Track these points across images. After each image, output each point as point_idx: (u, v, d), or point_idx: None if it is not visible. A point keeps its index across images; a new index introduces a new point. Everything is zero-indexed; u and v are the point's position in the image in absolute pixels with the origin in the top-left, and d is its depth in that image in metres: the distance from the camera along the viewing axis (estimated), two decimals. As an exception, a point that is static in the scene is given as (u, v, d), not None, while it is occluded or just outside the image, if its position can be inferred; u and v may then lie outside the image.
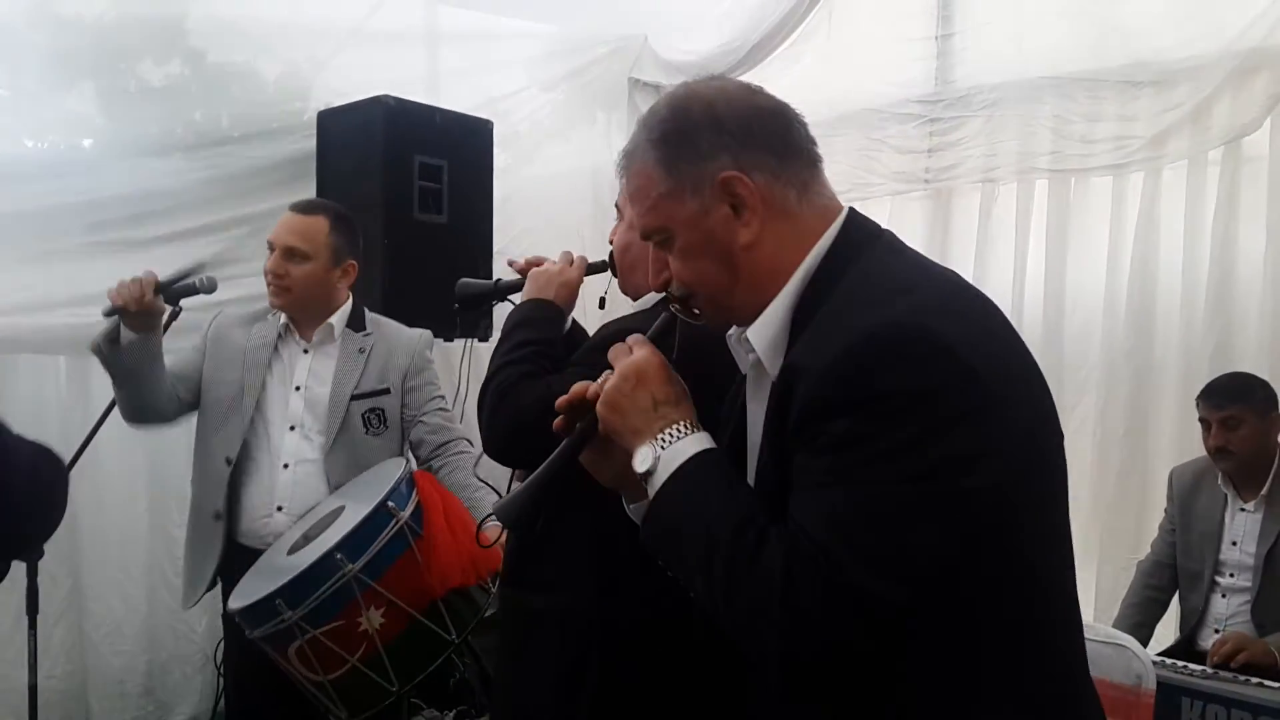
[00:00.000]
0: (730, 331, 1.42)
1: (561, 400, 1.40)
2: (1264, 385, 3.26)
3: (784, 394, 1.20)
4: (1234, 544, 3.24)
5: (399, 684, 2.44)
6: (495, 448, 1.96)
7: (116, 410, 3.02)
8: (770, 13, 4.71)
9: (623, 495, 1.49)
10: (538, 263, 2.18)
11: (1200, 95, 3.78)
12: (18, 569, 2.99)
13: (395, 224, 3.92)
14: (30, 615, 3.02)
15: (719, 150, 1.31)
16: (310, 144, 4.17)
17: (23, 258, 3.76)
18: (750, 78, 4.67)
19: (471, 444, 2.95)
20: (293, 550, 2.56)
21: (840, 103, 4.49)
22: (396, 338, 3.02)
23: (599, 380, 1.37)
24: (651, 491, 1.27)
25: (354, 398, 2.88)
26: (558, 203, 4.82)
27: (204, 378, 2.95)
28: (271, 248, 2.92)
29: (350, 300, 3.02)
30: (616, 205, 2.10)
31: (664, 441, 1.27)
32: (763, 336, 1.31)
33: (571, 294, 2.13)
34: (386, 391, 2.93)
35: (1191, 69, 3.81)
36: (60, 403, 3.91)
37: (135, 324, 2.75)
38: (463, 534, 2.50)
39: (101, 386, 3.81)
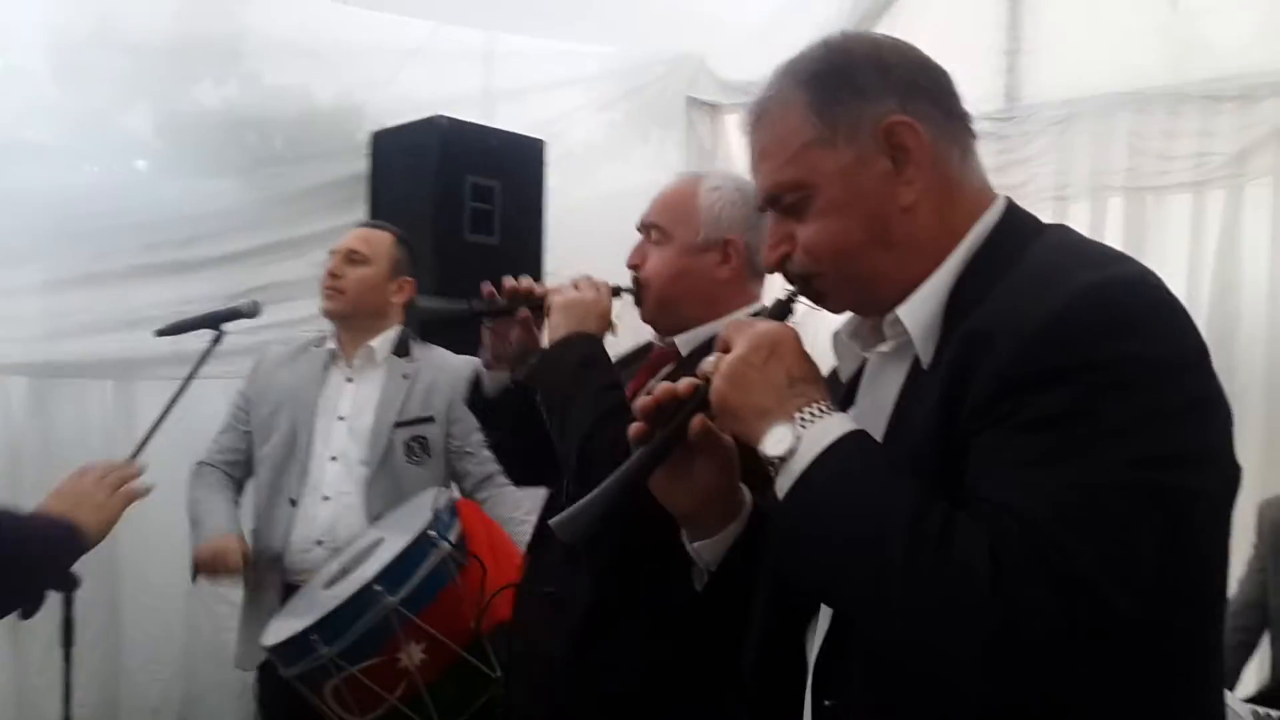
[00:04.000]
0: (840, 328, 1.27)
1: (647, 401, 1.21)
2: None
3: (962, 367, 1.02)
4: None
5: (442, 724, 2.33)
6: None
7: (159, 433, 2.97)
8: (830, 30, 4.57)
9: (686, 531, 1.33)
10: (525, 289, 1.97)
11: (1285, 112, 3.60)
12: (54, 597, 2.93)
13: (446, 245, 3.85)
14: (65, 647, 2.96)
15: (884, 93, 1.14)
16: (363, 165, 4.14)
17: (74, 281, 3.76)
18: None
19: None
20: (330, 584, 2.47)
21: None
22: (443, 364, 2.93)
23: (709, 363, 1.17)
24: (788, 478, 1.05)
25: (397, 425, 2.80)
26: (611, 223, 4.68)
27: (255, 430, 2.91)
28: (332, 255, 2.89)
29: (398, 327, 2.95)
30: (641, 226, 1.99)
31: (804, 420, 1.06)
32: (919, 315, 1.12)
33: (606, 326, 1.93)
34: (430, 420, 2.84)
35: (1276, 84, 3.62)
36: (105, 427, 3.86)
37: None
38: (508, 566, 2.39)
39: (146, 409, 3.81)
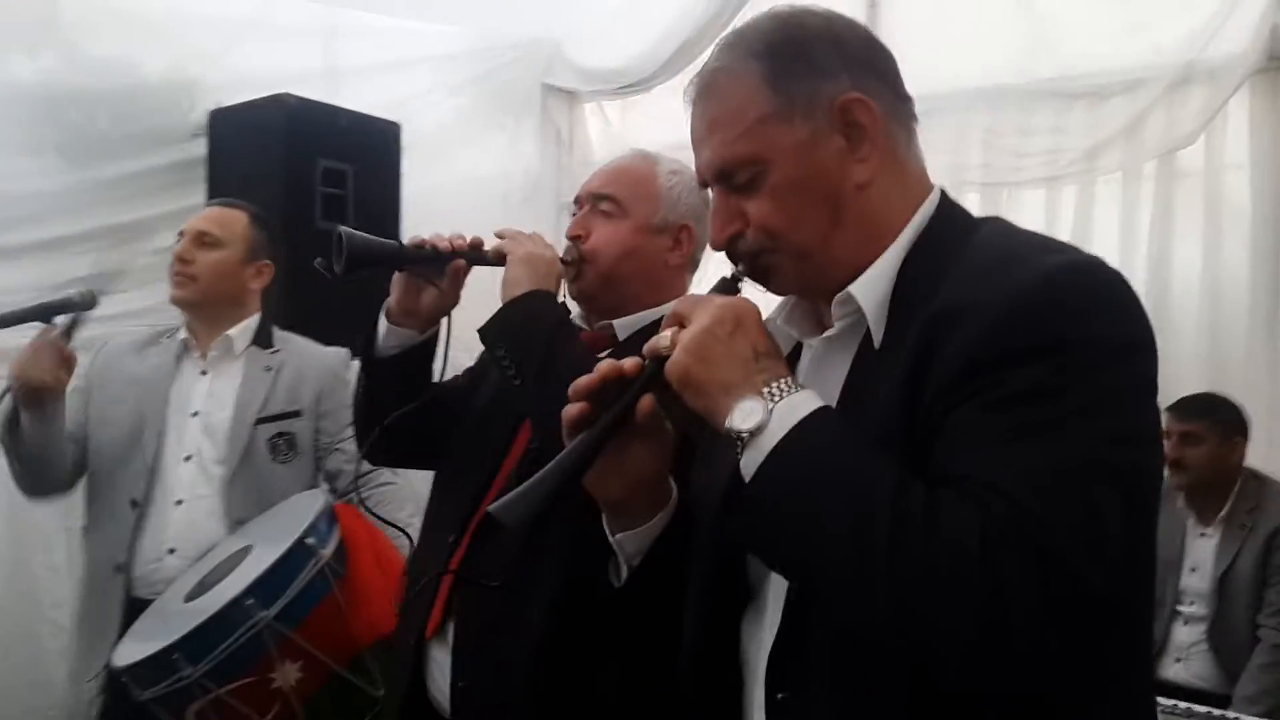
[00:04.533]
0: (773, 313, 1.23)
1: (591, 379, 1.15)
2: (1232, 408, 3.18)
3: (927, 347, 1.01)
4: (1193, 570, 3.14)
5: (319, 750, 2.13)
6: None
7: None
8: (692, 17, 4.52)
9: (609, 521, 1.26)
10: (463, 241, 1.79)
11: (1135, 108, 3.71)
12: None
13: (296, 233, 3.57)
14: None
15: (839, 68, 1.13)
16: (198, 146, 3.84)
17: None
18: (674, 84, 4.53)
19: (396, 475, 2.66)
20: (190, 598, 2.23)
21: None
22: (309, 355, 2.71)
23: (661, 339, 1.11)
24: (758, 453, 1.02)
25: (260, 421, 2.56)
26: (465, 212, 4.47)
27: (91, 419, 2.60)
28: (180, 238, 2.62)
29: (258, 315, 2.71)
30: (587, 195, 1.86)
31: (773, 394, 1.03)
32: (873, 293, 1.11)
33: (558, 288, 1.79)
34: (298, 414, 2.60)
35: (1127, 82, 3.74)
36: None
37: (33, 400, 2.39)
38: (393, 575, 2.21)
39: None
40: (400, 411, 1.83)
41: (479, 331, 1.75)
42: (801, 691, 1.08)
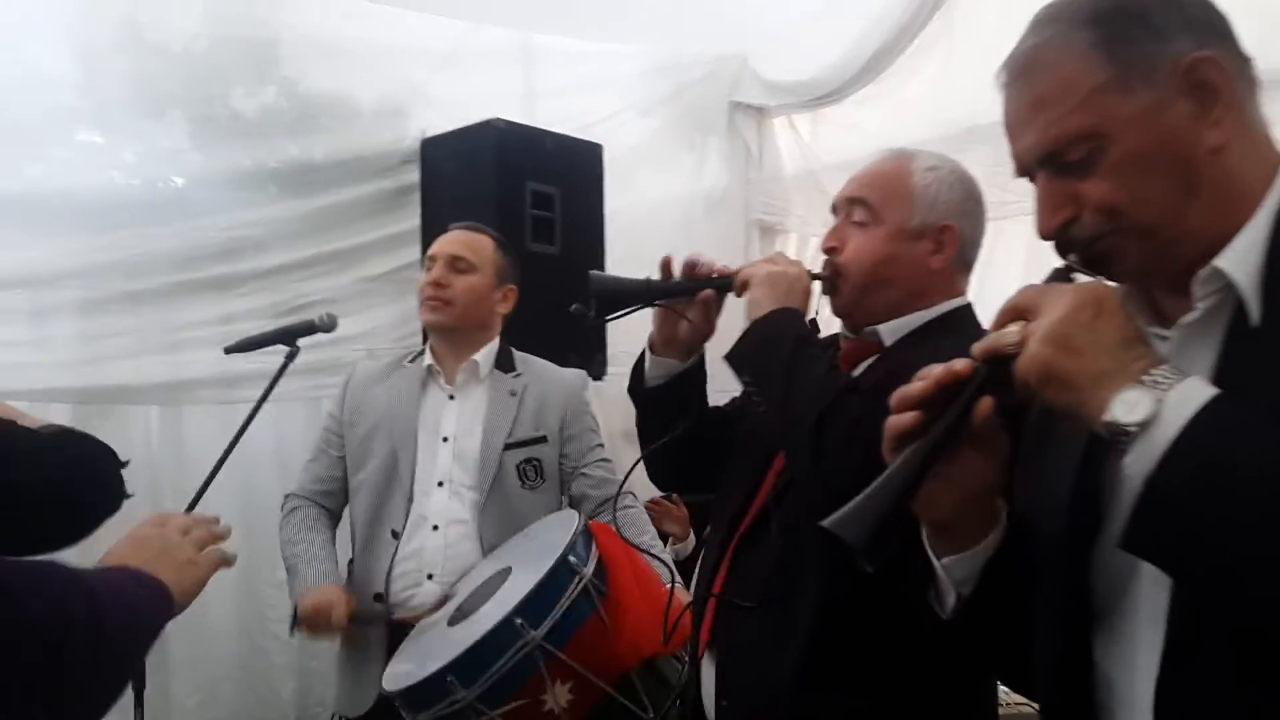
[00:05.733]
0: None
1: (925, 385, 1.08)
2: None
3: None
4: None
5: (595, 773, 2.11)
6: (851, 484, 1.55)
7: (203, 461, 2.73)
8: (882, 26, 4.41)
9: (934, 545, 1.19)
10: (709, 268, 1.80)
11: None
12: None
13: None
14: (136, 689, 2.72)
15: (1180, 30, 1.05)
16: (410, 173, 3.94)
17: (111, 300, 3.52)
18: (866, 94, 4.43)
19: (636, 498, 2.65)
20: (453, 622, 2.25)
21: (967, 118, 4.17)
22: (550, 379, 2.73)
23: (1005, 335, 1.03)
24: (1154, 446, 0.92)
25: (507, 447, 2.58)
26: (664, 231, 4.51)
27: (350, 456, 2.67)
28: (432, 262, 2.66)
29: (498, 339, 2.74)
30: (840, 203, 1.81)
31: (1158, 382, 0.94)
32: (1246, 265, 1.01)
33: (808, 306, 1.74)
34: (543, 440, 2.62)
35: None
36: (150, 455, 3.61)
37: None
38: (653, 593, 2.19)
39: (196, 436, 3.58)
40: (672, 434, 1.84)
41: (725, 358, 1.73)
42: None
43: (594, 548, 2.23)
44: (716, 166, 4.80)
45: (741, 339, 1.69)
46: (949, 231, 1.74)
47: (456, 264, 2.65)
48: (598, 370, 3.72)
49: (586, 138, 4.08)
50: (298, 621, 2.49)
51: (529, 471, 2.58)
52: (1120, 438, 0.94)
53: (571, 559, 2.15)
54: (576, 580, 2.14)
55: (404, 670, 2.18)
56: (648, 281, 1.78)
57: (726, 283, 1.77)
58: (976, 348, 1.07)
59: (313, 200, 3.86)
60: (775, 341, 1.64)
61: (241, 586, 3.71)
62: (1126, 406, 0.94)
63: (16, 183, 3.42)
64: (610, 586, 2.18)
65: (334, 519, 2.73)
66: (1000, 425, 1.11)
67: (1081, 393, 0.97)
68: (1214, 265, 1.02)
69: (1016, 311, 1.04)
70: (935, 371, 1.09)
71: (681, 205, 4.69)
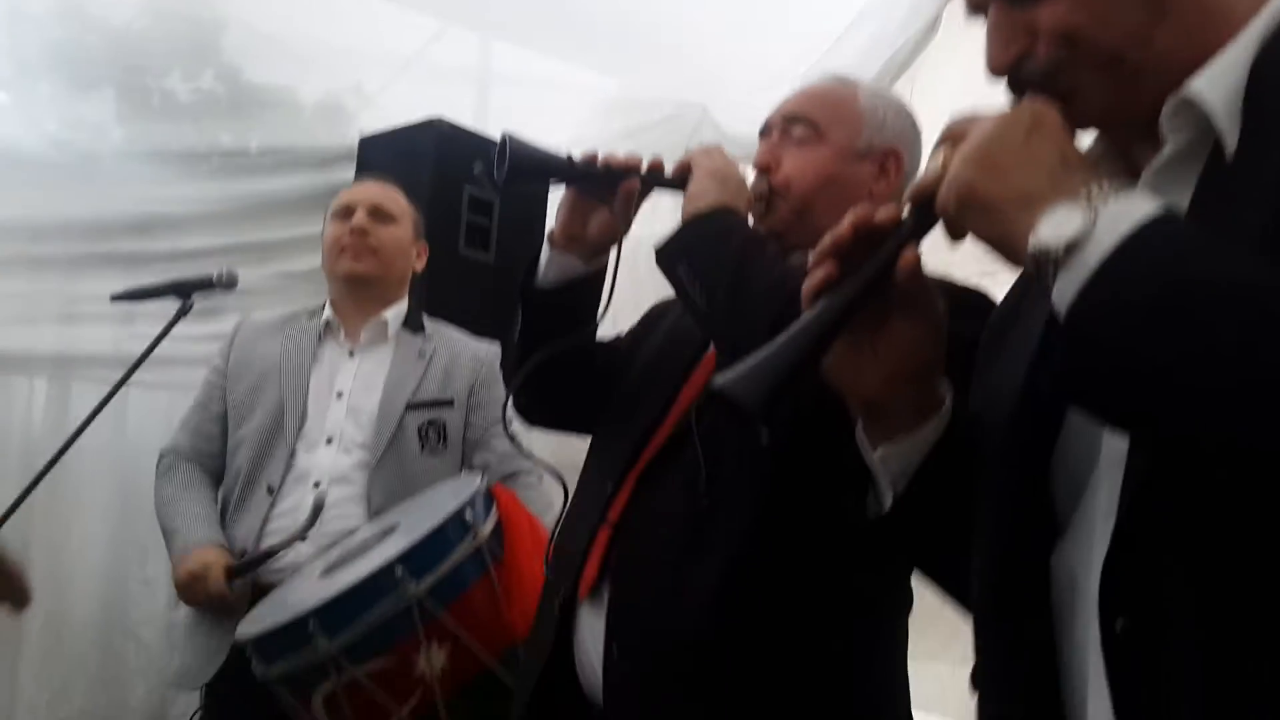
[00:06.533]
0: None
1: (839, 233, 0.95)
2: None
3: None
4: None
5: (457, 753, 1.87)
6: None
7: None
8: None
9: (867, 431, 1.04)
10: (638, 161, 1.58)
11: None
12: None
13: (438, 257, 3.47)
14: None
15: None
16: (344, 170, 3.78)
17: (11, 265, 3.30)
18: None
19: (543, 478, 2.44)
20: (328, 572, 2.02)
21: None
22: (462, 345, 2.56)
23: (925, 173, 0.89)
24: (1081, 271, 0.76)
25: (410, 407, 2.39)
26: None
27: (231, 410, 2.48)
28: (347, 211, 2.49)
29: (407, 299, 2.58)
30: (778, 119, 1.62)
31: (1092, 196, 0.78)
32: (1219, 89, 0.85)
33: (748, 212, 1.56)
34: (450, 404, 2.44)
35: None
36: (29, 429, 3.36)
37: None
38: (550, 565, 1.97)
39: (81, 412, 3.32)
40: (555, 347, 1.60)
41: (655, 251, 1.51)
42: (1151, 617, 0.81)
43: (494, 510, 2.03)
44: (668, 205, 4.70)
45: (679, 230, 1.49)
46: (894, 157, 1.60)
47: (378, 212, 2.50)
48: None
49: (540, 159, 3.96)
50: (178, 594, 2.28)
51: (431, 434, 2.38)
52: (1048, 267, 0.79)
53: (467, 515, 1.94)
54: (470, 536, 1.93)
55: (260, 616, 1.93)
56: (570, 158, 1.57)
57: (661, 176, 1.57)
58: (908, 192, 0.94)
59: (239, 187, 3.68)
60: (722, 235, 1.46)
61: (109, 584, 3.42)
62: (1054, 225, 0.79)
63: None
64: (507, 553, 1.97)
65: (214, 480, 2.49)
66: (933, 286, 0.99)
67: (1006, 219, 0.82)
68: (1184, 93, 0.86)
69: (947, 137, 0.90)
70: (854, 213, 0.96)
71: (628, 244, 4.56)
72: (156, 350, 2.48)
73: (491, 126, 4.05)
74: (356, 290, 2.51)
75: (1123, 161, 0.97)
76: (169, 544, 2.37)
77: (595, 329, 1.68)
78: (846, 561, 1.41)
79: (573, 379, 1.70)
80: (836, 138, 1.59)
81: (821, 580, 1.42)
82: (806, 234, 1.55)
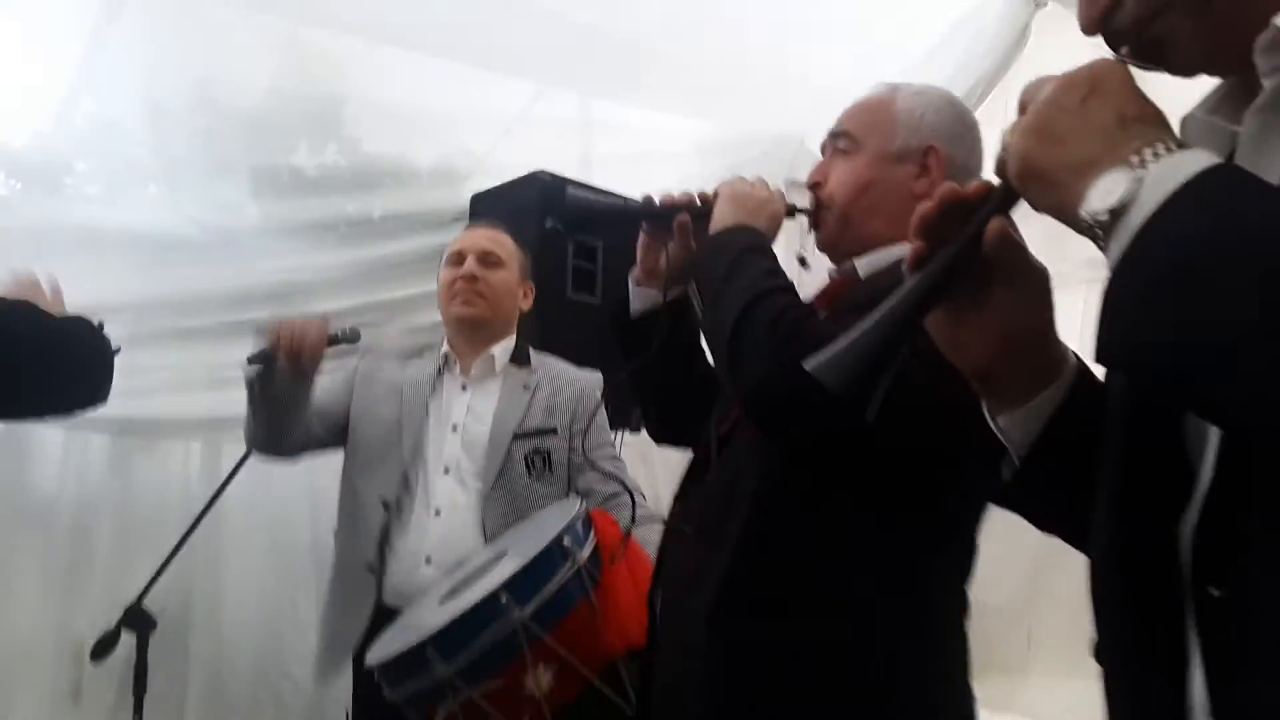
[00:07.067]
0: (1194, 110, 0.93)
1: (927, 209, 0.95)
2: None
3: None
4: None
5: (570, 762, 2.00)
6: (778, 400, 1.41)
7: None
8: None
9: (986, 401, 1.04)
10: (686, 197, 1.75)
11: None
12: (126, 641, 2.68)
13: (547, 302, 3.65)
14: (136, 695, 2.68)
15: None
16: (459, 228, 3.99)
17: (161, 335, 3.60)
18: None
19: (645, 499, 2.58)
20: (445, 600, 2.18)
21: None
22: (565, 376, 2.72)
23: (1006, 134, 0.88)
24: (1125, 234, 0.75)
25: (516, 437, 2.56)
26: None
27: (353, 414, 2.67)
28: (459, 257, 2.69)
29: (515, 335, 2.75)
30: (828, 137, 1.74)
31: (1145, 159, 0.76)
32: None
33: (776, 230, 1.67)
34: (553, 432, 2.59)
35: None
36: (187, 490, 3.63)
37: (291, 372, 2.46)
38: (645, 586, 2.09)
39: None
40: (639, 361, 1.78)
41: (678, 270, 1.69)
42: (1240, 584, 0.78)
43: (593, 534, 2.16)
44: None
45: (696, 250, 1.65)
46: (933, 154, 1.65)
47: (487, 259, 2.68)
48: (636, 424, 3.68)
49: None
50: (269, 353, 2.40)
51: (536, 462, 2.54)
52: (1099, 234, 0.77)
53: (566, 541, 2.08)
54: (570, 563, 2.06)
55: (386, 644, 2.11)
56: (624, 202, 1.74)
57: (702, 208, 1.72)
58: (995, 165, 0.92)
59: (365, 251, 3.94)
60: (724, 249, 1.58)
61: (264, 629, 3.68)
62: (1101, 193, 0.77)
63: (87, 221, 3.56)
64: (605, 574, 2.10)
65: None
66: (1030, 254, 0.97)
67: (1061, 187, 0.81)
68: (1276, 24, 0.81)
69: (1020, 106, 0.88)
70: (940, 191, 0.96)
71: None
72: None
73: (596, 177, 4.24)
74: (468, 331, 2.70)
75: (1248, 94, 0.89)
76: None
77: (688, 350, 1.85)
78: (851, 551, 1.50)
79: (684, 395, 1.86)
80: (872, 145, 1.68)
81: (819, 568, 1.52)
82: (853, 242, 1.68)
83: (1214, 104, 0.93)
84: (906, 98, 1.70)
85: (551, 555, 2.05)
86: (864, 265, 1.66)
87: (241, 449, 3.59)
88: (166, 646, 3.41)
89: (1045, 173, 0.82)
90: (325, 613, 2.66)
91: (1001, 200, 0.92)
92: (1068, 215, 0.81)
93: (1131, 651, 0.90)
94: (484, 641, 1.96)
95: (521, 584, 2.00)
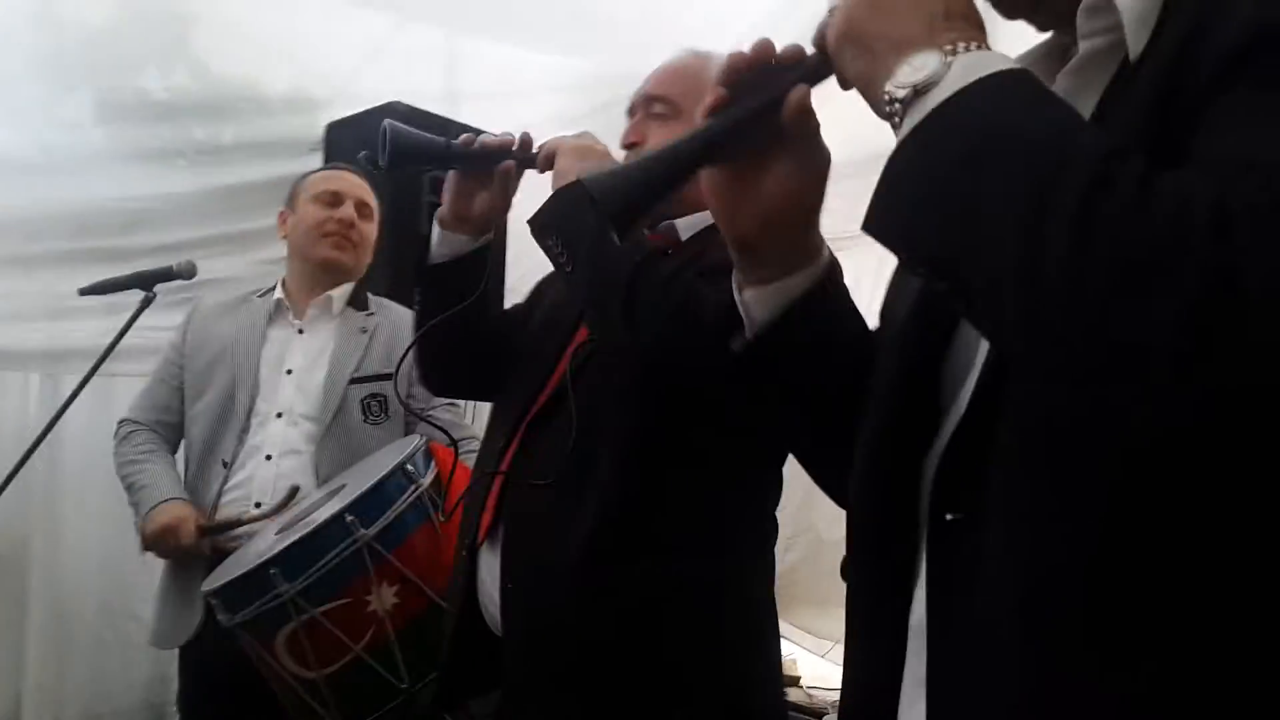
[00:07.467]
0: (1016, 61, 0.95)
1: (736, 57, 0.94)
2: None
3: (1187, 41, 0.74)
4: None
5: (410, 681, 2.05)
6: (681, 355, 1.44)
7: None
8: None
9: (739, 269, 1.04)
10: (511, 141, 1.71)
11: None
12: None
13: (400, 239, 3.63)
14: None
15: None
16: (315, 159, 3.93)
17: (1, 264, 3.47)
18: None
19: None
20: (282, 530, 2.19)
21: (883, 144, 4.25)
22: (405, 321, 2.69)
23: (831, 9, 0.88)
24: (919, 110, 0.76)
25: (353, 381, 2.56)
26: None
27: (188, 386, 2.64)
28: (336, 198, 2.65)
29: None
30: (640, 100, 1.78)
31: (958, 50, 0.78)
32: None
33: None
34: (390, 376, 2.58)
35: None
36: (25, 423, 3.51)
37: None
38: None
39: (76, 409, 3.49)
40: (446, 314, 1.75)
41: (528, 223, 1.66)
42: (974, 511, 0.81)
43: (433, 465, 2.20)
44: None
45: (547, 202, 1.63)
46: None
47: (363, 210, 2.68)
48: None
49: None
50: (145, 544, 2.44)
51: (373, 406, 2.55)
52: (897, 109, 0.78)
53: (409, 467, 2.12)
54: (412, 488, 2.11)
55: (225, 570, 2.11)
56: (447, 142, 1.70)
57: (531, 157, 1.71)
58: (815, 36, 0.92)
59: (214, 179, 3.84)
60: (581, 208, 1.60)
61: (108, 567, 3.58)
62: (911, 69, 0.78)
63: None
64: (446, 504, 2.14)
65: (171, 449, 2.67)
66: (818, 132, 0.97)
67: (875, 58, 0.81)
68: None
69: None
70: (752, 46, 0.96)
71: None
72: (141, 341, 2.68)
73: (464, 111, 4.20)
74: (325, 274, 2.67)
75: (1063, 56, 0.92)
76: (137, 500, 2.52)
77: (480, 301, 1.81)
78: (716, 491, 1.57)
79: (464, 348, 1.84)
80: (691, 112, 1.70)
81: (690, 509, 1.59)
82: (674, 204, 1.71)
83: (1031, 60, 0.95)
84: (719, 65, 1.75)
85: (396, 478, 2.09)
86: (685, 226, 1.72)
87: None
88: (3, 586, 3.35)
89: (864, 37, 0.83)
90: (164, 578, 2.58)
91: (813, 70, 0.92)
92: (873, 89, 0.82)
93: (869, 573, 0.95)
94: (329, 560, 2.00)
95: (366, 506, 2.04)
